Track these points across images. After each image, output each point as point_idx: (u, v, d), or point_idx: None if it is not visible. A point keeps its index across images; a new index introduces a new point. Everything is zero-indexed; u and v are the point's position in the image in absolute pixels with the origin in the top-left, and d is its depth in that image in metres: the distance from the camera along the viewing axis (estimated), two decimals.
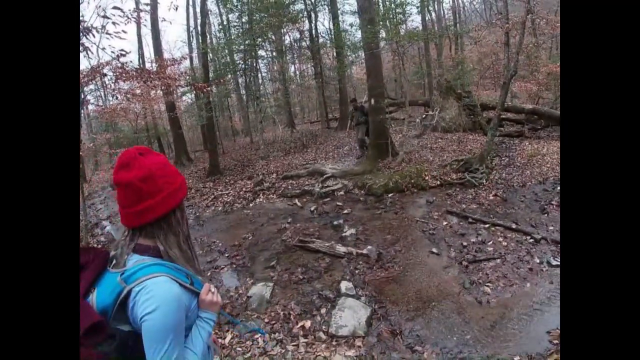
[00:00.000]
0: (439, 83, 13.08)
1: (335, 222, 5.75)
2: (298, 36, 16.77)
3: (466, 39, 19.55)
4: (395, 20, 9.41)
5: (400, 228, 5.36)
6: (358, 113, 9.38)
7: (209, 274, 4.76)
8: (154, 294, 1.03)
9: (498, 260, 4.34)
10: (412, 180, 7.01)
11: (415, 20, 17.05)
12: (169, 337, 1.04)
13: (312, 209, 6.57)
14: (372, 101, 8.64)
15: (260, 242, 5.44)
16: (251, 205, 7.47)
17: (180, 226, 1.19)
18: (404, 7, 9.31)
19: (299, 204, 6.99)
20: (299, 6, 15.17)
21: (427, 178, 7.20)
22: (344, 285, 3.86)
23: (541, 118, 11.75)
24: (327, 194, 7.19)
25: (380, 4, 12.17)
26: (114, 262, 1.15)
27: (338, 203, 6.73)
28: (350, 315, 3.34)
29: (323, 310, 3.52)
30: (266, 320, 3.55)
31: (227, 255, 5.24)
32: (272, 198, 7.66)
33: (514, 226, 5.13)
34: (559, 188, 6.68)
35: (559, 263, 4.22)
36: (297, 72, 24.45)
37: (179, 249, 1.18)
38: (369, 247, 4.65)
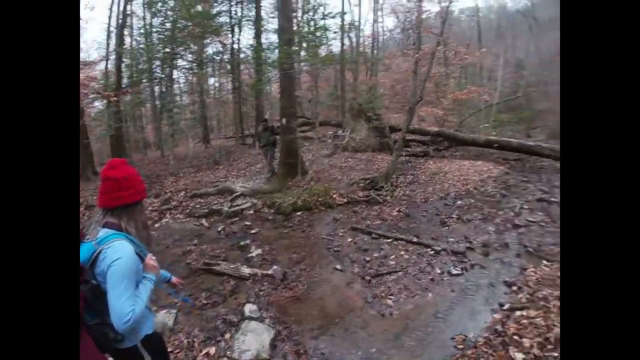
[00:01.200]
0: (351, 106, 13.86)
1: (242, 243, 5.69)
2: (220, 49, 16.46)
3: (381, 65, 21.01)
4: (314, 43, 9.76)
5: (307, 246, 5.46)
6: (267, 133, 9.19)
7: None
8: (119, 249, 1.59)
9: (400, 273, 4.53)
10: (321, 199, 7.21)
11: (334, 45, 17.89)
12: (126, 279, 1.57)
13: (219, 229, 6.43)
14: (284, 120, 8.78)
15: (164, 266, 5.15)
16: (157, 225, 7.06)
17: (139, 215, 1.80)
18: (323, 31, 9.66)
19: (206, 224, 6.80)
20: (224, 19, 15.04)
21: (334, 196, 7.46)
22: (248, 308, 3.82)
23: (445, 140, 13.03)
24: (235, 213, 7.10)
25: (305, 25, 12.56)
26: (86, 236, 1.67)
27: (246, 222, 6.67)
28: (254, 338, 3.31)
29: (227, 336, 3.44)
30: (170, 349, 3.38)
31: None
32: (179, 218, 7.34)
33: (415, 240, 5.44)
34: (459, 202, 7.37)
35: (459, 272, 4.53)
36: (217, 86, 23.94)
37: (136, 229, 1.75)
38: (275, 267, 4.67)
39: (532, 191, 8.23)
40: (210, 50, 16.66)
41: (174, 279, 2.26)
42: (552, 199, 7.68)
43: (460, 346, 3.20)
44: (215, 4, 14.51)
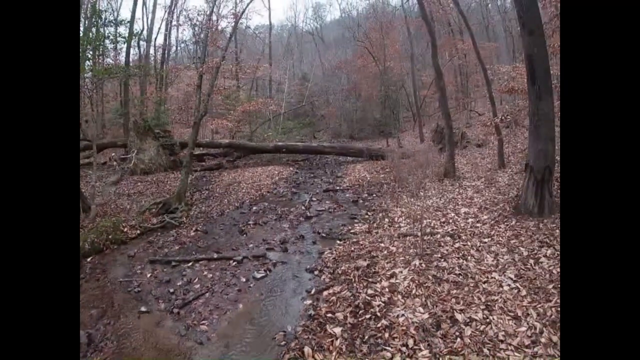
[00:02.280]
0: (135, 123, 12.82)
1: None
2: None
3: (172, 78, 20.01)
4: (94, 53, 8.52)
5: (105, 296, 4.93)
6: None
7: None
8: None
9: (207, 295, 4.55)
10: (110, 236, 6.50)
11: (121, 55, 15.87)
12: None
13: None
14: None
15: None
16: None
17: None
18: (102, 40, 8.95)
19: None
20: None
21: (125, 229, 6.90)
22: None
23: (237, 150, 13.63)
24: None
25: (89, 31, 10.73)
26: None
27: None
28: None
29: None
30: None
31: None
32: None
33: (215, 256, 5.57)
34: (254, 208, 7.83)
35: (264, 274, 4.85)
36: None
37: None
38: None
39: (319, 184, 9.62)
40: None
41: None
42: (337, 188, 9.19)
43: (283, 342, 3.47)
44: None
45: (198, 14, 16.86)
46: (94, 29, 8.98)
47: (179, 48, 26.62)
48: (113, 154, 13.47)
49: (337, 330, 3.45)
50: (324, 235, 6.14)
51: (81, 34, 9.68)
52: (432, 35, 9.91)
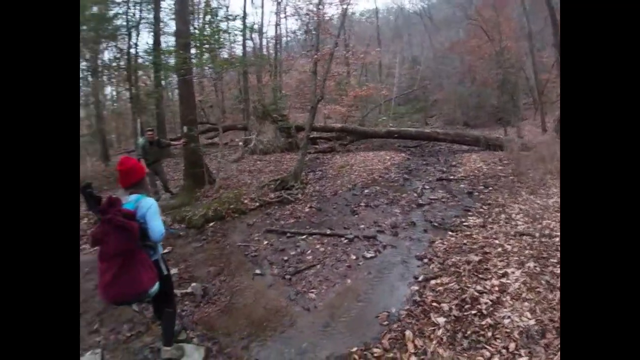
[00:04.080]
0: (255, 108, 13.94)
1: None
2: (117, 55, 15.03)
3: (285, 67, 21.28)
4: (211, 46, 9.58)
5: (224, 256, 5.43)
6: (155, 148, 8.15)
7: None
8: (149, 201, 2.83)
9: (318, 266, 4.74)
10: (232, 206, 7.10)
11: (237, 48, 17.60)
12: (158, 214, 2.83)
13: None
14: (185, 128, 8.50)
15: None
16: None
17: (145, 185, 3.10)
18: (219, 34, 9.54)
19: None
20: (121, 21, 13.85)
21: (246, 201, 7.45)
22: None
23: (349, 134, 13.83)
24: None
25: (205, 28, 12.06)
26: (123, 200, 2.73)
27: None
28: None
29: None
30: None
31: None
32: (84, 249, 6.85)
33: (328, 232, 5.72)
34: (366, 191, 7.87)
35: (373, 255, 4.87)
36: (115, 95, 22.01)
37: (146, 192, 3.00)
38: (193, 284, 4.61)
39: (432, 172, 9.24)
40: (106, 56, 15.32)
41: None
42: (450, 177, 8.74)
43: (385, 322, 3.46)
44: (112, 6, 13.24)
45: (305, 4, 17.30)
46: (207, 26, 9.85)
47: (289, 38, 27.93)
48: (239, 139, 14.83)
49: (441, 320, 3.35)
50: (435, 224, 5.88)
51: (197, 31, 10.56)
52: (551, 11, 8.54)
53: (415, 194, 7.54)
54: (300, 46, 26.48)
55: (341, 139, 13.81)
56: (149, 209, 2.77)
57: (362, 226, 5.96)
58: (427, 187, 8.08)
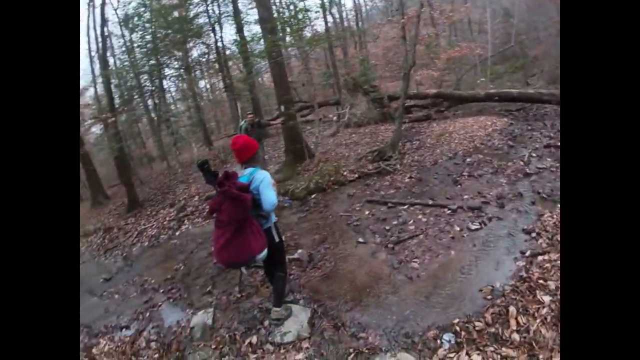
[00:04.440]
0: (345, 81, 13.69)
1: None
2: (205, 50, 16.31)
3: (369, 37, 20.63)
4: (295, 27, 9.64)
5: (327, 226, 5.54)
6: (255, 130, 8.13)
7: (147, 314, 4.54)
8: (262, 173, 3.01)
9: (421, 236, 4.59)
10: (332, 178, 7.24)
11: (317, 25, 17.58)
12: (271, 185, 2.98)
13: None
14: (282, 108, 8.80)
15: (192, 270, 5.30)
16: (177, 233, 7.22)
17: (259, 158, 3.46)
18: (302, 13, 9.58)
19: None
20: (203, 19, 14.77)
21: (345, 173, 7.48)
22: None
23: (445, 100, 12.79)
24: None
25: (286, 11, 12.32)
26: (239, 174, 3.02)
27: None
28: (292, 320, 3.42)
29: (266, 322, 3.55)
30: (213, 346, 3.49)
31: (161, 291, 5.03)
32: (198, 222, 7.46)
33: (430, 202, 5.47)
34: (468, 160, 7.31)
35: (478, 227, 4.56)
36: (208, 87, 23.86)
37: (261, 165, 3.39)
38: (300, 250, 4.75)
39: (538, 138, 8.15)
40: (195, 53, 16.57)
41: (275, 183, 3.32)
42: (559, 144, 7.57)
43: (489, 297, 3.26)
44: (191, 7, 14.27)
45: None
46: (290, 7, 9.75)
47: (368, 7, 26.95)
48: (330, 115, 14.86)
49: (547, 298, 3.01)
50: (544, 196, 5.12)
51: (275, 15, 10.67)
52: None
53: (521, 163, 6.67)
54: (381, 14, 25.49)
55: (437, 105, 12.80)
56: (262, 181, 2.92)
57: (466, 196, 5.55)
58: (534, 154, 7.09)
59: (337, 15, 19.60)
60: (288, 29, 10.20)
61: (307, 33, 14.97)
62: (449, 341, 2.87)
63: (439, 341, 2.91)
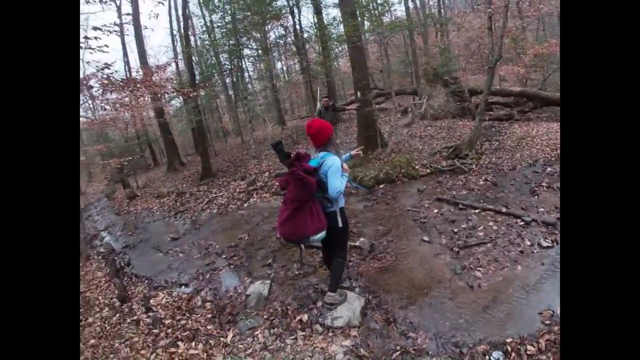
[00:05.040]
0: (425, 71, 13.08)
1: None
2: (283, 32, 16.62)
3: (451, 25, 19.50)
4: (376, 11, 9.39)
5: (392, 218, 5.41)
6: (330, 112, 8.49)
7: (207, 276, 4.85)
8: (333, 159, 3.02)
9: (489, 245, 4.33)
10: (403, 170, 7.06)
11: (398, 10, 16.96)
12: (339, 172, 3.01)
13: None
14: (359, 94, 8.63)
15: (256, 242, 5.53)
16: (245, 205, 7.55)
17: (333, 142, 3.29)
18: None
19: None
20: (282, 2, 14.89)
21: (417, 167, 7.26)
22: None
23: (530, 100, 11.78)
24: None
25: None
26: (313, 156, 3.16)
27: None
28: (345, 306, 3.41)
29: (319, 304, 3.59)
30: (265, 316, 3.63)
31: (224, 256, 5.33)
32: (265, 197, 7.73)
33: (504, 210, 5.12)
34: (549, 169, 6.72)
35: (549, 244, 4.20)
36: (285, 69, 24.35)
37: (335, 149, 3.30)
38: (362, 239, 4.71)
39: None
40: (273, 35, 16.92)
41: (348, 169, 3.32)
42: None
43: (547, 322, 3.01)
44: None
45: None
46: None
47: None
48: (405, 104, 14.39)
49: None
50: None
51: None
52: None
53: None
54: (465, 1, 23.83)
55: (520, 105, 11.83)
56: (331, 167, 2.98)
57: (542, 209, 5.11)
58: None
59: (418, 2, 18.71)
60: (367, 14, 9.96)
61: (386, 18, 14.55)
62: (498, 359, 2.75)
63: (487, 357, 2.78)
